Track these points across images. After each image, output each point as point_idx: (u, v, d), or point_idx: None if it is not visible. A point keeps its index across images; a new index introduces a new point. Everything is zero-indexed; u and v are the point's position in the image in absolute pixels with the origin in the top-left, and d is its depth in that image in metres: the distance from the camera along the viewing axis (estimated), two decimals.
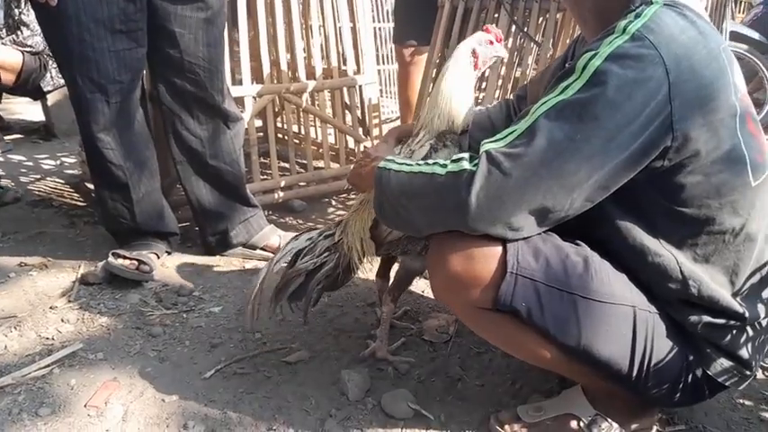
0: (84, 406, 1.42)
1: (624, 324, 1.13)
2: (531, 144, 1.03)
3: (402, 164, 1.18)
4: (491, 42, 1.38)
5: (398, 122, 3.82)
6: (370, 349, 1.57)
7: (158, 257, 2.13)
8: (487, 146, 1.07)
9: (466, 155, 1.10)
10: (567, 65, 1.34)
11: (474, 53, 1.37)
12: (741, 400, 1.43)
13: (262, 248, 2.23)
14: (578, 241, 1.17)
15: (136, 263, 2.02)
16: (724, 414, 1.40)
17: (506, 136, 1.07)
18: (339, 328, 1.75)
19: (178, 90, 2.04)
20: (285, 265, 1.52)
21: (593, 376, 1.19)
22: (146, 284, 2.00)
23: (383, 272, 1.63)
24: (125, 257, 2.02)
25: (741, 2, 4.69)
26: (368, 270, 1.90)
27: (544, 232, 1.13)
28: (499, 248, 1.10)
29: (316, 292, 1.52)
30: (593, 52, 1.03)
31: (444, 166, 1.10)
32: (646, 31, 1.02)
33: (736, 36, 4.29)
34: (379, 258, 1.57)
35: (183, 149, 2.13)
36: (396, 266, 1.62)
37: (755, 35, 4.74)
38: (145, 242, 2.12)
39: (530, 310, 1.10)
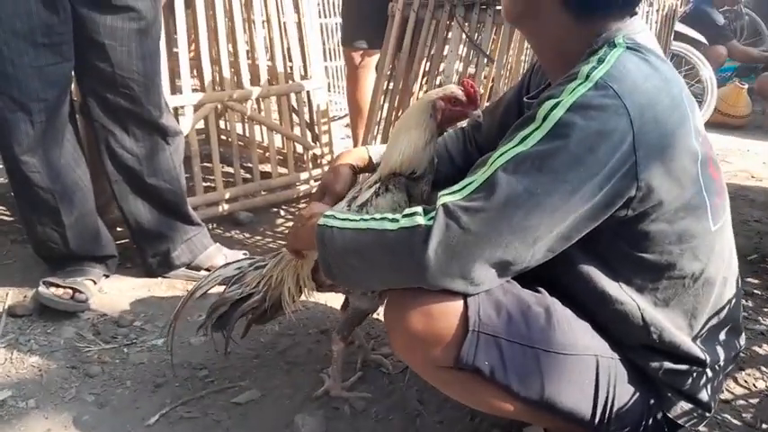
0: None
1: (587, 374, 1.10)
2: (491, 198, 0.98)
3: (345, 219, 1.10)
4: (456, 102, 1.26)
5: (347, 120, 3.73)
6: (324, 388, 1.51)
7: (95, 283, 2.00)
8: (444, 198, 1.01)
9: (419, 208, 1.04)
10: (523, 98, 1.29)
11: (435, 106, 1.27)
12: (696, 428, 1.44)
13: (206, 269, 2.12)
14: (539, 288, 1.14)
15: (70, 291, 1.88)
16: None
17: (464, 188, 1.02)
18: (291, 361, 1.68)
19: (111, 106, 1.89)
20: (208, 291, 1.51)
21: (556, 422, 1.17)
22: (82, 315, 1.87)
23: (348, 304, 1.57)
24: (58, 285, 1.89)
25: None
26: (318, 295, 1.85)
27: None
28: (460, 304, 1.05)
29: (240, 322, 1.50)
30: (556, 101, 0.99)
31: (395, 220, 1.04)
32: (609, 79, 0.98)
33: (675, 35, 4.37)
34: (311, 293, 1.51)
35: (119, 168, 1.99)
36: None
37: (692, 32, 4.87)
38: (80, 267, 1.98)
39: (492, 368, 1.06)
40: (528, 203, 0.96)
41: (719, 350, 1.17)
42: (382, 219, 1.06)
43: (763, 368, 1.69)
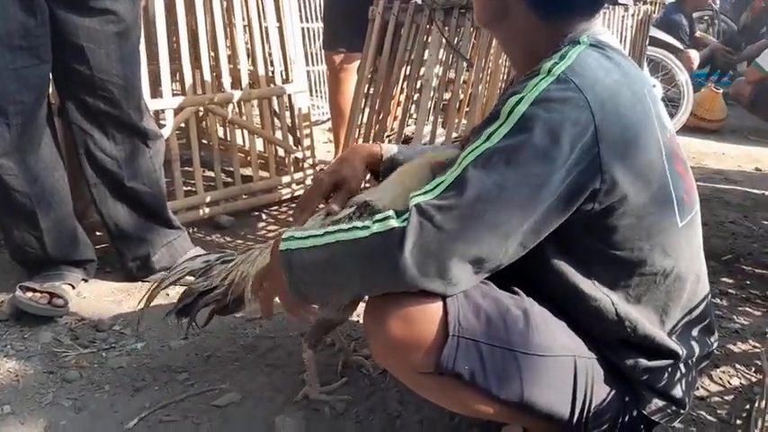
0: None
1: (565, 375, 1.12)
2: (462, 195, 0.99)
3: (308, 237, 1.08)
4: None
5: (329, 124, 3.73)
6: (302, 393, 1.51)
7: (74, 288, 1.98)
8: (417, 199, 1.02)
9: (391, 212, 1.04)
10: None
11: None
12: (671, 424, 1.46)
13: (188, 273, 2.11)
14: (516, 289, 1.15)
15: (47, 296, 1.86)
16: None
17: (435, 187, 1.03)
18: (271, 364, 1.68)
19: (90, 109, 1.88)
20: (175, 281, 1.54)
21: (535, 422, 1.18)
22: (59, 320, 1.85)
23: None
24: (35, 290, 1.86)
25: (656, 3, 4.89)
26: None
27: (483, 283, 1.10)
28: (439, 308, 1.05)
29: (203, 311, 1.52)
30: (519, 96, 1.01)
31: (365, 227, 1.03)
32: (571, 73, 1.00)
33: (651, 40, 4.45)
34: None
35: (98, 171, 1.98)
36: None
37: (667, 37, 4.97)
38: (58, 272, 1.96)
39: (473, 372, 1.06)
40: (498, 198, 0.98)
41: (693, 346, 1.19)
42: (351, 228, 1.05)
43: (738, 365, 1.73)
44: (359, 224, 1.05)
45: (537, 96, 0.99)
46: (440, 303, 1.05)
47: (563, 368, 1.12)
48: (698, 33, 5.78)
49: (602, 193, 1.02)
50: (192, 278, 1.54)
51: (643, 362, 1.15)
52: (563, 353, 1.12)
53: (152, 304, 1.94)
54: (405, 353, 1.07)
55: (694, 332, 1.20)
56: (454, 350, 1.05)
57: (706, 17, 6.47)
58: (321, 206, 1.41)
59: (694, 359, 1.20)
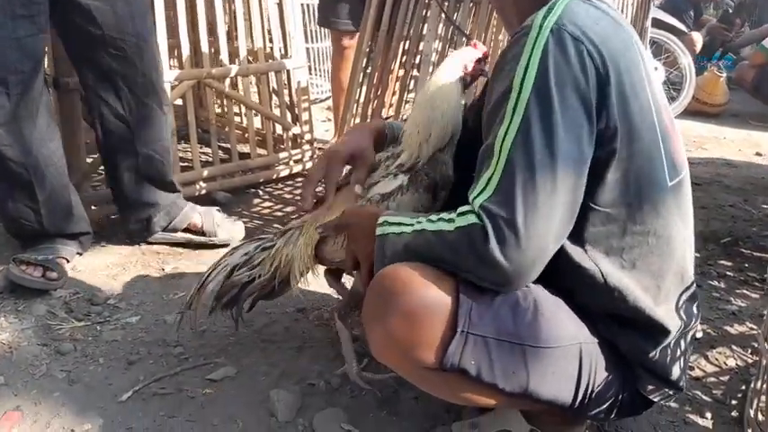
0: None
1: (572, 364, 1.10)
2: (515, 180, 0.98)
3: (399, 223, 1.10)
4: (479, 61, 1.31)
5: (329, 102, 3.70)
6: (342, 370, 1.49)
7: (68, 261, 1.96)
8: (477, 200, 1.01)
9: (468, 207, 1.03)
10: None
11: (465, 67, 1.29)
12: (667, 403, 1.46)
13: (184, 230, 2.13)
14: None
15: (41, 269, 1.84)
16: (651, 418, 1.42)
17: (488, 183, 1.01)
18: (267, 339, 1.67)
19: (104, 70, 1.86)
20: (220, 279, 1.47)
21: (535, 407, 1.17)
22: (54, 293, 1.83)
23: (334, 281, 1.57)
24: (29, 263, 1.85)
25: None
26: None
27: None
28: (448, 303, 1.03)
29: (249, 300, 1.50)
30: (525, 63, 1.00)
31: (450, 220, 1.04)
32: (562, 23, 1.01)
33: (654, 22, 4.41)
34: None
35: (109, 135, 1.97)
36: None
37: (671, 19, 4.92)
38: (52, 245, 1.94)
39: (479, 368, 1.04)
40: (550, 164, 0.98)
41: (688, 315, 1.17)
42: (438, 219, 1.06)
43: (734, 347, 1.72)
44: (444, 215, 1.06)
45: (540, 57, 0.99)
46: (449, 298, 1.03)
47: (569, 357, 1.10)
48: (704, 15, 5.78)
49: (605, 137, 1.02)
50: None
51: (635, 339, 1.13)
52: (570, 341, 1.10)
53: (147, 277, 1.97)
54: (407, 350, 1.04)
55: (689, 302, 1.19)
56: (461, 346, 1.02)
57: (711, 2, 6.43)
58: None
59: (689, 335, 1.19)
